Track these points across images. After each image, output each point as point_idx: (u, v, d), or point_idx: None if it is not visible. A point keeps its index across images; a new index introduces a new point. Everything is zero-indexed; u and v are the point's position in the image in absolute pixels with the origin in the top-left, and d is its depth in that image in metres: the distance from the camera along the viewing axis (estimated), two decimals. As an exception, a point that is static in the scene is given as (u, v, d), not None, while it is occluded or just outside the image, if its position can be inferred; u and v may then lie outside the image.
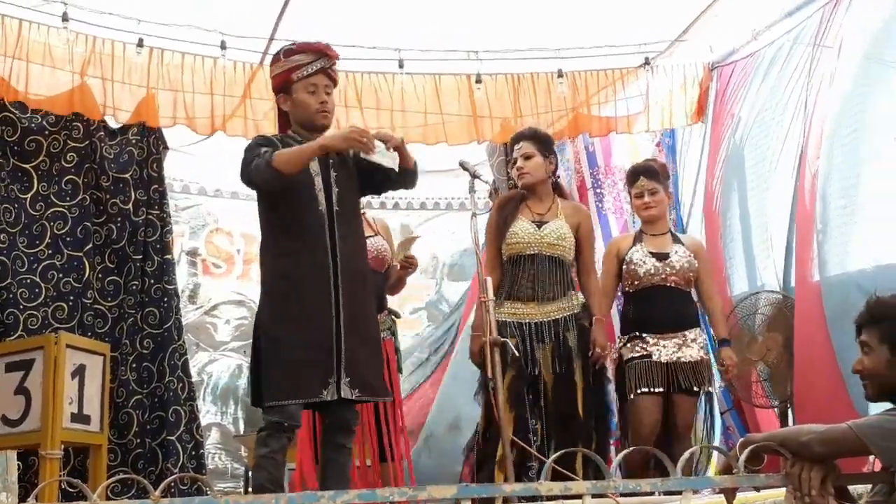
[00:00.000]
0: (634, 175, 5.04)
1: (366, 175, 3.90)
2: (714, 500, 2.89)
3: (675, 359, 4.74)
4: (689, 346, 4.78)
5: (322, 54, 3.93)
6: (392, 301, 5.11)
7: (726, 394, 5.58)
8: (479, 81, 6.25)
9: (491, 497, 2.53)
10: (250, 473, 3.86)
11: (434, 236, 7.61)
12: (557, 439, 4.33)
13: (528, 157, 4.68)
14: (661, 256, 4.88)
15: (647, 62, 6.31)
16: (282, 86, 3.93)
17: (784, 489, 2.41)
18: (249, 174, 3.68)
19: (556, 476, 3.41)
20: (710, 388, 4.87)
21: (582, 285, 4.75)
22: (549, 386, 4.45)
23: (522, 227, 4.61)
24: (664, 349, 4.76)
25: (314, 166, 3.81)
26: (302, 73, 3.87)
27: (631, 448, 3.82)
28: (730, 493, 2.38)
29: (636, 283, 4.88)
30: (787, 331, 5.08)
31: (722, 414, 5.62)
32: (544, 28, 5.90)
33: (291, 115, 3.93)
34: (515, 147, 4.79)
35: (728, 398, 5.60)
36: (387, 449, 4.58)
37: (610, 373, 4.85)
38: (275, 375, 3.65)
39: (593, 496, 2.30)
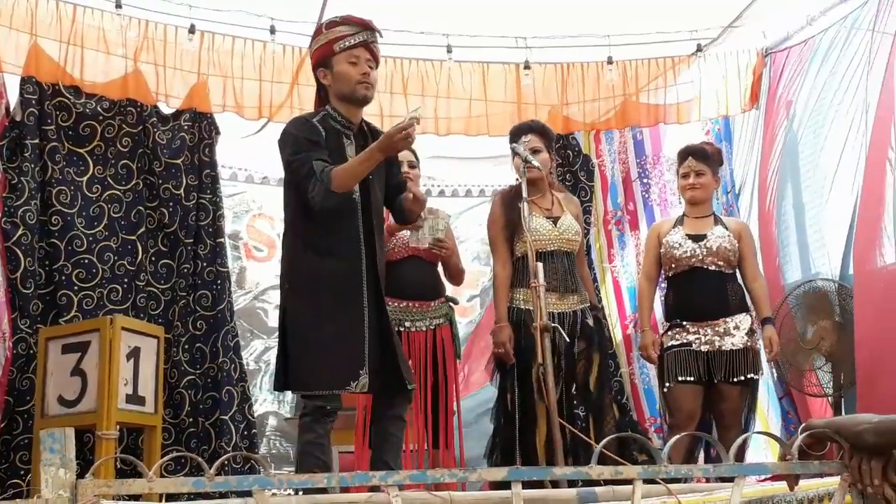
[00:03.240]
0: (684, 155, 5.04)
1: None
2: (763, 489, 2.87)
3: (715, 347, 4.70)
4: (730, 334, 4.73)
5: (365, 27, 3.88)
6: (451, 288, 5.09)
7: (780, 381, 5.53)
8: (527, 68, 6.24)
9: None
10: (297, 459, 3.88)
11: (479, 224, 7.60)
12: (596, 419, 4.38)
13: (536, 152, 4.64)
14: (698, 238, 4.85)
15: (699, 49, 6.25)
16: (322, 59, 3.87)
17: (839, 477, 2.38)
18: (306, 194, 3.63)
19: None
20: (754, 376, 4.79)
21: (581, 275, 4.79)
22: (567, 376, 4.51)
23: (542, 225, 4.61)
24: (704, 337, 4.73)
25: (350, 149, 3.81)
26: (344, 43, 3.81)
27: (682, 434, 3.79)
28: (791, 479, 2.35)
29: (673, 266, 4.88)
30: (842, 319, 5.02)
31: (780, 399, 5.58)
32: (594, 15, 5.86)
33: (332, 88, 3.87)
34: (522, 139, 4.70)
35: (781, 386, 5.56)
36: (441, 435, 4.59)
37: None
38: (312, 365, 3.69)
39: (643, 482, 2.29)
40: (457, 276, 4.95)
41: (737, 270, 4.92)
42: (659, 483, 2.56)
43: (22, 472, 4.88)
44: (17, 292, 5.00)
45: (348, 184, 3.63)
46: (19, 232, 5.01)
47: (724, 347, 4.71)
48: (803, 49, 5.79)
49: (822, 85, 5.52)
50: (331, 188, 3.58)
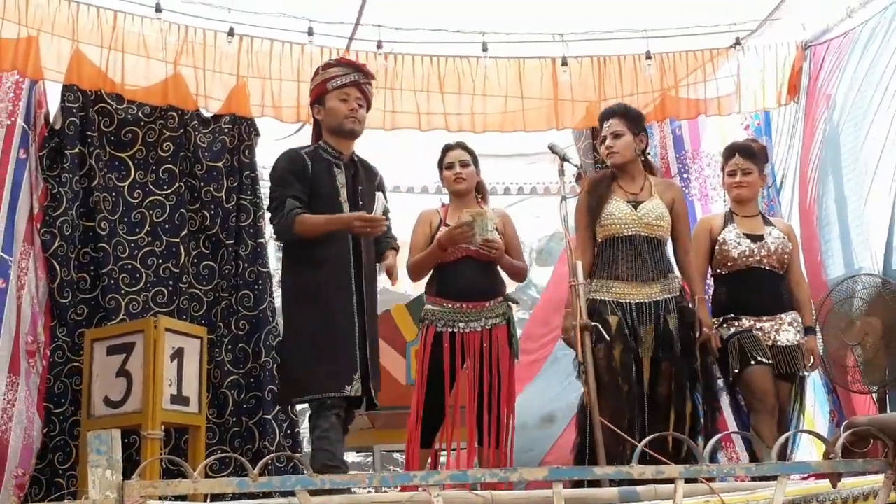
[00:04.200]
0: (731, 152, 4.97)
1: None
2: (806, 487, 2.85)
3: (773, 341, 4.68)
4: (785, 331, 4.71)
5: (357, 69, 4.36)
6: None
7: (826, 379, 5.48)
8: (564, 64, 6.22)
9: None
10: (310, 456, 3.97)
11: (519, 222, 7.59)
12: (651, 421, 4.27)
13: (617, 136, 4.55)
14: (756, 238, 4.81)
15: (737, 42, 6.20)
16: (317, 97, 4.32)
17: (882, 475, 2.36)
18: (273, 222, 4.09)
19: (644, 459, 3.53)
20: (806, 373, 4.79)
21: (679, 263, 4.62)
22: (646, 368, 4.34)
23: (619, 208, 4.48)
24: (761, 332, 4.70)
25: (340, 178, 4.24)
26: (336, 82, 4.27)
27: (726, 432, 3.76)
28: (835, 477, 2.34)
29: (729, 264, 4.82)
30: (887, 316, 4.96)
31: (830, 393, 5.53)
32: (631, 9, 5.84)
33: (324, 123, 4.31)
34: (605, 125, 4.64)
35: (828, 384, 5.51)
36: (485, 433, 4.58)
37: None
38: (306, 372, 4.07)
39: (686, 481, 2.29)
40: (516, 274, 4.88)
41: (784, 271, 4.87)
42: (701, 482, 2.56)
43: (60, 472, 4.97)
44: (54, 302, 5.09)
45: (308, 233, 4.06)
46: (57, 242, 5.10)
47: (779, 342, 4.69)
48: (843, 42, 5.72)
49: (862, 77, 5.45)
50: (292, 230, 4.04)
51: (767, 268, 4.80)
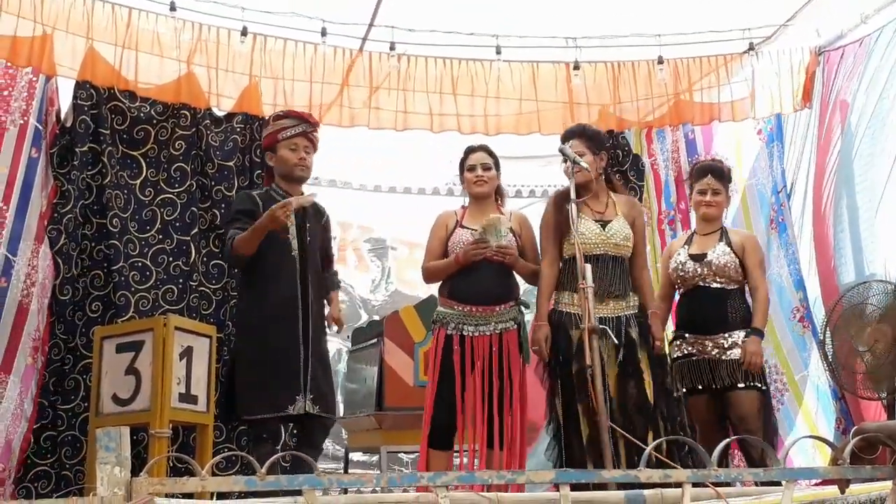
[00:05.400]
0: (703, 172, 5.06)
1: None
2: (813, 493, 2.84)
3: (716, 358, 4.74)
4: (732, 349, 4.74)
5: (304, 120, 4.81)
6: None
7: (834, 384, 5.47)
8: (577, 68, 6.21)
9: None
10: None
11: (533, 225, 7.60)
12: (626, 428, 4.27)
13: (579, 157, 4.57)
14: (699, 258, 4.91)
15: (751, 48, 6.19)
16: (269, 145, 4.78)
17: (891, 482, 2.35)
18: (224, 253, 4.58)
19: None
20: (760, 385, 4.75)
21: (635, 278, 4.67)
22: (612, 379, 4.38)
23: (588, 228, 4.55)
24: (704, 349, 4.78)
25: (291, 221, 4.54)
26: (286, 133, 4.72)
27: (733, 437, 3.75)
28: (843, 483, 2.33)
29: (681, 284, 4.98)
30: (897, 322, 4.95)
31: (838, 400, 5.51)
32: (645, 13, 5.83)
33: (276, 168, 4.76)
34: (567, 146, 4.66)
35: (835, 390, 5.49)
36: (495, 437, 4.58)
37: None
38: (251, 394, 4.48)
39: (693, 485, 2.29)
40: (533, 276, 4.84)
41: (739, 286, 4.90)
42: (707, 487, 2.55)
43: (68, 466, 5.02)
44: (55, 299, 5.12)
45: (243, 248, 4.49)
46: (62, 240, 5.13)
47: (723, 358, 4.75)
48: (858, 48, 5.70)
49: (878, 85, 5.43)
50: (231, 252, 4.50)
51: (713, 285, 4.87)
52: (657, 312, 4.68)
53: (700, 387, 4.77)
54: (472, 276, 4.68)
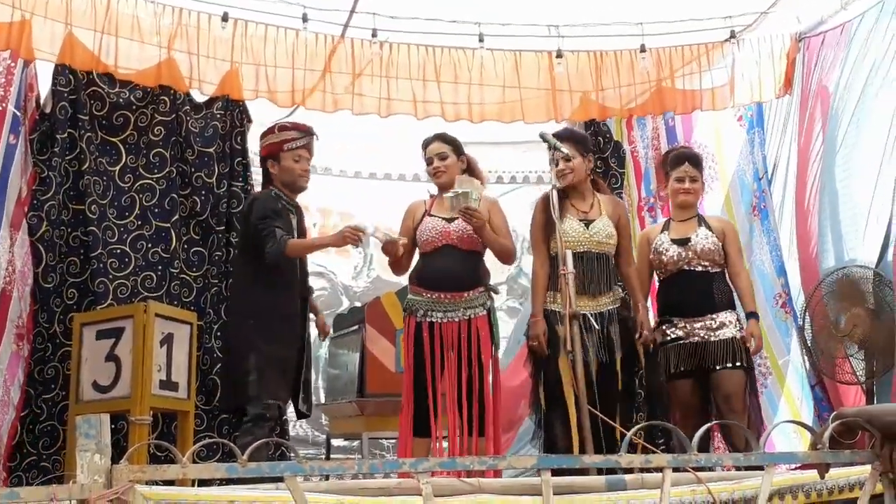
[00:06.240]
0: (680, 159, 5.11)
1: None
2: (793, 478, 2.86)
3: (704, 339, 4.78)
4: (720, 329, 4.80)
5: (308, 133, 4.92)
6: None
7: (813, 368, 5.50)
8: (559, 56, 6.21)
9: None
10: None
11: (511, 210, 7.59)
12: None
13: (568, 159, 4.71)
14: (682, 242, 4.95)
15: (732, 35, 6.19)
16: (272, 153, 4.87)
17: (869, 466, 2.37)
18: (266, 250, 4.55)
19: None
20: (746, 365, 4.81)
21: (623, 275, 4.84)
22: (595, 371, 4.50)
23: (572, 227, 4.68)
24: (693, 331, 4.81)
25: (293, 221, 4.80)
26: (292, 145, 4.84)
27: (712, 423, 3.78)
28: (822, 468, 2.35)
29: (663, 269, 5.00)
30: (876, 307, 4.98)
31: (813, 387, 5.55)
32: (627, 2, 5.83)
33: (277, 177, 4.86)
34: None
35: (814, 374, 5.52)
36: (465, 423, 4.60)
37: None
38: (268, 379, 4.54)
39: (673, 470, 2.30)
40: (502, 254, 4.91)
41: (722, 269, 4.93)
42: (688, 471, 2.57)
43: (45, 457, 4.98)
44: (38, 286, 5.08)
45: (297, 255, 4.76)
46: (43, 227, 5.09)
47: (712, 339, 4.79)
48: (840, 35, 5.71)
49: (862, 72, 5.43)
50: (284, 252, 4.57)
51: (698, 269, 4.92)
52: (645, 305, 4.86)
53: (684, 369, 4.81)
54: (438, 263, 4.72)
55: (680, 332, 4.85)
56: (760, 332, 4.91)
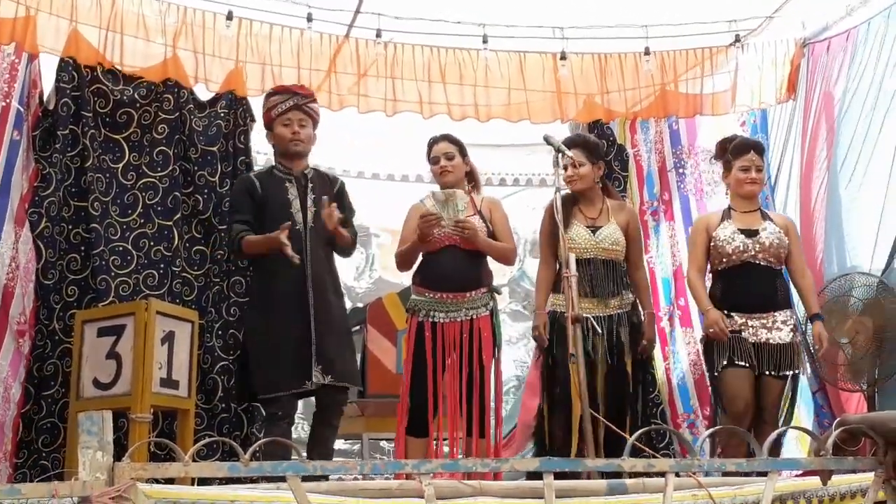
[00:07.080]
0: (745, 148, 4.95)
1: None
2: (795, 484, 2.86)
3: (763, 340, 4.70)
4: (778, 329, 4.72)
5: (293, 93, 4.81)
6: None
7: (815, 375, 5.49)
8: (563, 58, 6.21)
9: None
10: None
11: (514, 213, 7.58)
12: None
13: (576, 165, 4.76)
14: (751, 233, 4.81)
15: (737, 40, 6.19)
16: (267, 125, 4.83)
17: (872, 473, 2.37)
18: (226, 245, 4.72)
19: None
20: (797, 372, 4.78)
21: (632, 281, 4.88)
22: (602, 375, 4.59)
23: (578, 234, 4.74)
24: (752, 329, 4.71)
25: (292, 191, 4.68)
26: (277, 110, 4.75)
27: (716, 427, 3.78)
28: (825, 475, 2.34)
29: (724, 260, 4.83)
30: (880, 317, 4.97)
31: (814, 394, 5.54)
32: (632, 4, 5.82)
33: (275, 148, 4.83)
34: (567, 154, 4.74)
35: (816, 380, 5.51)
36: (474, 423, 4.60)
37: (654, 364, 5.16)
38: (265, 373, 4.53)
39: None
40: (502, 257, 4.92)
41: (783, 267, 4.87)
42: (690, 476, 2.56)
43: (45, 454, 4.96)
44: (39, 283, 5.07)
45: (250, 254, 4.63)
46: (43, 223, 5.08)
47: (770, 341, 4.70)
48: (845, 41, 5.70)
49: (868, 78, 5.42)
50: (238, 253, 4.64)
51: (763, 263, 4.79)
52: (653, 313, 4.93)
53: (745, 364, 4.66)
54: (441, 263, 4.73)
55: (739, 327, 4.71)
56: (826, 335, 4.81)
